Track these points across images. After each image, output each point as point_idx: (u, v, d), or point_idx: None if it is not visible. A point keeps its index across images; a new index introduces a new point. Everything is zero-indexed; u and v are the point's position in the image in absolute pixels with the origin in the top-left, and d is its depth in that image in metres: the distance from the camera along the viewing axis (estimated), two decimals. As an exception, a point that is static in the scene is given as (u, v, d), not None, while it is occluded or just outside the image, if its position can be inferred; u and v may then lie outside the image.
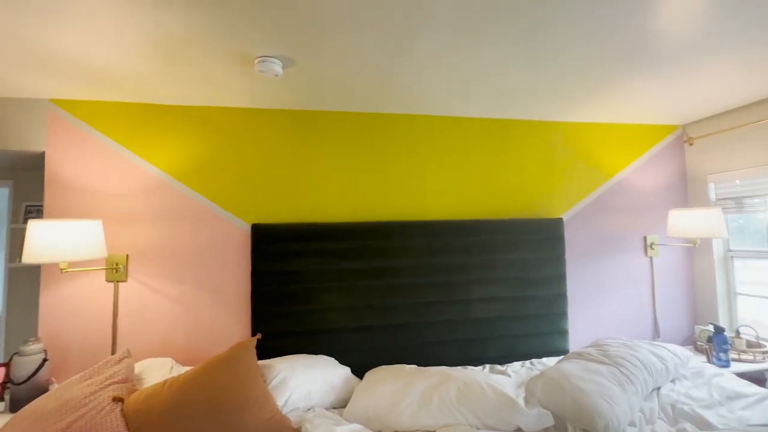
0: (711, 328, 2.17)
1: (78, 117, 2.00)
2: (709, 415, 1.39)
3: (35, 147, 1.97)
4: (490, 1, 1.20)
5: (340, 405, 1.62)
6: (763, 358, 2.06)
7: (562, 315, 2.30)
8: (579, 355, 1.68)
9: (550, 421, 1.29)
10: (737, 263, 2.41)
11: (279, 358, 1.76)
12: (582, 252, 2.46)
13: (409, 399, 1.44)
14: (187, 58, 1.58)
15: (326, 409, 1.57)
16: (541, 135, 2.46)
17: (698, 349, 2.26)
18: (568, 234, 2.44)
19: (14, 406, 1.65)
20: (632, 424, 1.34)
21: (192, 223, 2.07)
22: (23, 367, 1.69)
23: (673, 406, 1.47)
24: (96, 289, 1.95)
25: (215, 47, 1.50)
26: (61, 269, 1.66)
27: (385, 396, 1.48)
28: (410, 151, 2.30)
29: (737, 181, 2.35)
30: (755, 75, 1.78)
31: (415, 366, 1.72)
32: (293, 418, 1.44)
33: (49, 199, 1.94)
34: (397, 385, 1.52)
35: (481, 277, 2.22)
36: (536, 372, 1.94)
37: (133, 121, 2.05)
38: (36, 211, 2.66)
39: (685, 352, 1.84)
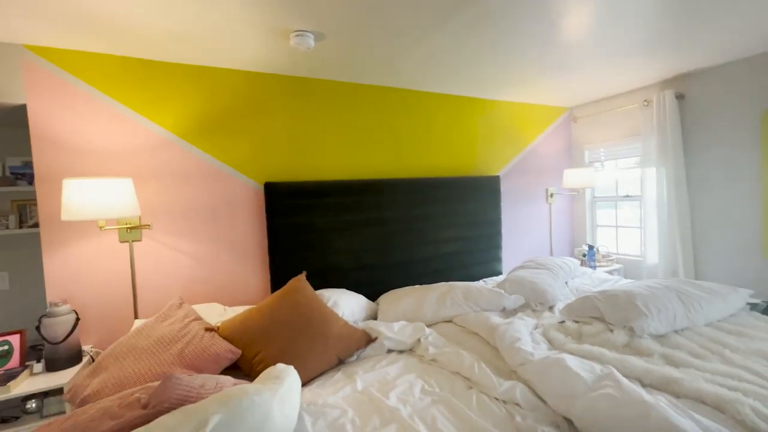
0: (586, 247, 3.29)
1: (63, 68, 1.86)
2: (594, 291, 2.33)
3: (12, 99, 1.78)
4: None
5: (369, 319, 2.10)
6: (610, 264, 3.25)
7: (498, 247, 3.14)
8: (522, 267, 2.48)
9: (522, 301, 2.03)
10: (598, 205, 3.59)
11: (318, 290, 2.12)
12: (509, 200, 3.31)
13: (427, 303, 2.02)
14: (218, 20, 1.64)
15: (362, 321, 2.04)
16: (482, 110, 3.14)
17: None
18: (502, 187, 3.25)
19: (52, 366, 1.68)
20: (560, 299, 2.17)
21: (202, 182, 2.16)
22: (56, 328, 1.70)
23: (577, 289, 2.39)
24: (109, 250, 1.96)
25: (255, 17, 1.62)
26: (100, 227, 1.67)
27: (408, 304, 2.03)
28: (392, 119, 2.73)
29: (602, 150, 3.45)
30: (620, 73, 2.69)
31: (419, 285, 2.30)
32: (347, 328, 1.88)
33: (39, 158, 1.82)
34: (415, 296, 2.08)
35: (446, 222, 2.86)
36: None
37: (131, 76, 1.99)
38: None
39: (576, 261, 2.83)
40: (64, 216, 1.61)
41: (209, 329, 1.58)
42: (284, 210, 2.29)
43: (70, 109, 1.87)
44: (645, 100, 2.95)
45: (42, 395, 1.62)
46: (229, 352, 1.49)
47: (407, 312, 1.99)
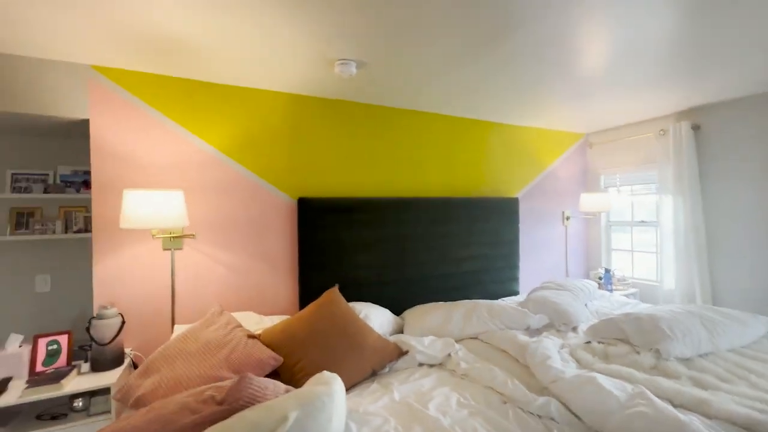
0: (602, 270, 3.34)
1: (124, 87, 2.01)
2: (614, 314, 2.38)
3: (76, 114, 1.93)
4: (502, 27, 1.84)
5: (395, 333, 2.17)
6: (626, 287, 3.30)
7: (516, 267, 3.21)
8: (543, 288, 2.54)
9: (546, 321, 2.09)
10: (613, 230, 3.66)
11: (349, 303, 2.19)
12: (527, 222, 3.40)
13: (454, 319, 2.09)
14: (270, 46, 1.77)
15: (389, 334, 2.10)
16: (503, 134, 3.26)
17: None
18: (520, 209, 3.34)
19: (97, 366, 1.76)
20: (582, 320, 2.22)
21: (241, 196, 2.28)
22: (104, 329, 1.79)
23: (597, 312, 2.44)
24: (153, 257, 2.06)
25: (308, 46, 1.77)
26: (153, 235, 1.78)
27: (435, 320, 2.10)
28: (416, 140, 2.86)
29: (617, 175, 3.55)
30: (635, 104, 2.81)
31: (443, 302, 2.37)
32: (376, 341, 1.95)
33: (97, 168, 1.95)
34: (441, 312, 2.15)
35: (465, 241, 2.94)
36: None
37: (182, 96, 2.14)
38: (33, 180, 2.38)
39: (593, 283, 2.88)
40: (123, 224, 1.72)
41: (252, 336, 1.66)
42: (315, 224, 2.39)
43: (127, 124, 2.02)
44: (661, 130, 3.06)
45: (89, 394, 1.69)
46: (272, 358, 1.57)
47: (434, 327, 2.06)
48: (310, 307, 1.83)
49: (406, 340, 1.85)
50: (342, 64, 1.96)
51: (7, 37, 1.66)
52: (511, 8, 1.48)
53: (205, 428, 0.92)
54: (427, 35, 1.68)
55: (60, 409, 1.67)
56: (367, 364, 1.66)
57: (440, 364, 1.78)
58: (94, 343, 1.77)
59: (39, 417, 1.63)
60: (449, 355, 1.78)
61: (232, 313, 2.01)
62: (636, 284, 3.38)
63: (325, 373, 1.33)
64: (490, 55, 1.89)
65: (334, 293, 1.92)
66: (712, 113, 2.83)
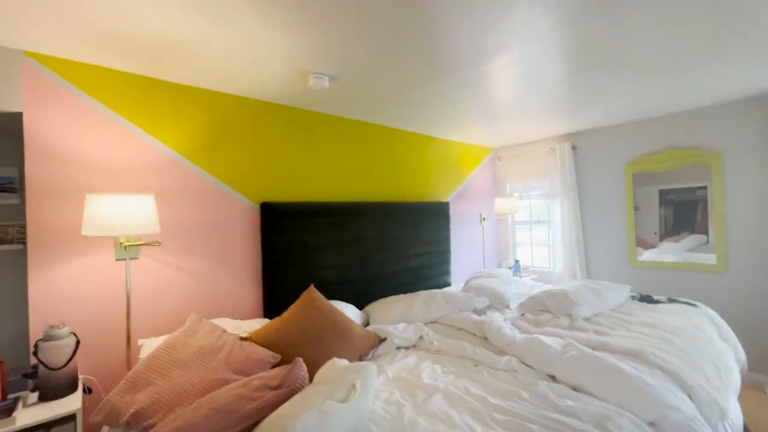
0: (512, 261, 4.06)
1: (66, 78, 1.80)
2: (530, 294, 2.99)
3: (7, 106, 1.66)
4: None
5: (363, 326, 2.36)
6: (529, 274, 4.08)
7: (448, 262, 3.69)
8: (476, 277, 3.04)
9: (487, 302, 2.55)
10: (517, 227, 4.47)
11: (318, 302, 2.30)
12: (454, 222, 3.93)
13: (416, 307, 2.39)
14: (241, 53, 1.78)
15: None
16: (437, 147, 3.74)
17: (505, 274, 4.13)
18: (450, 211, 3.85)
19: (47, 394, 1.56)
20: (512, 300, 2.75)
21: (203, 200, 2.21)
22: (55, 352, 1.59)
23: (516, 293, 3.03)
24: (101, 269, 1.87)
25: (279, 56, 1.83)
26: (121, 243, 1.64)
27: (399, 310, 2.37)
28: (369, 150, 3.10)
29: (519, 183, 4.36)
30: (533, 126, 3.56)
31: (403, 294, 2.65)
32: (352, 333, 2.12)
33: (31, 169, 1.71)
34: (404, 303, 2.43)
35: (411, 240, 3.30)
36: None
37: (136, 93, 2.00)
38: None
39: (509, 272, 3.52)
40: (85, 231, 1.57)
41: (243, 339, 1.68)
42: (278, 228, 2.44)
43: (71, 120, 1.81)
44: (551, 148, 3.90)
45: (46, 426, 1.48)
46: (270, 356, 1.63)
47: (399, 316, 2.33)
48: (294, 308, 1.92)
49: (383, 328, 2.07)
50: (316, 77, 2.10)
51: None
52: (448, 56, 1.90)
53: (268, 412, 1.02)
54: (390, 61, 1.94)
55: (5, 450, 1.43)
56: (356, 353, 1.84)
57: (414, 346, 2.06)
58: (41, 370, 1.55)
59: (-23, 463, 1.37)
60: (421, 336, 2.07)
61: (212, 319, 1.95)
62: (536, 271, 4.19)
63: (335, 359, 1.48)
64: (433, 84, 2.28)
65: (313, 292, 2.03)
66: (585, 137, 3.74)
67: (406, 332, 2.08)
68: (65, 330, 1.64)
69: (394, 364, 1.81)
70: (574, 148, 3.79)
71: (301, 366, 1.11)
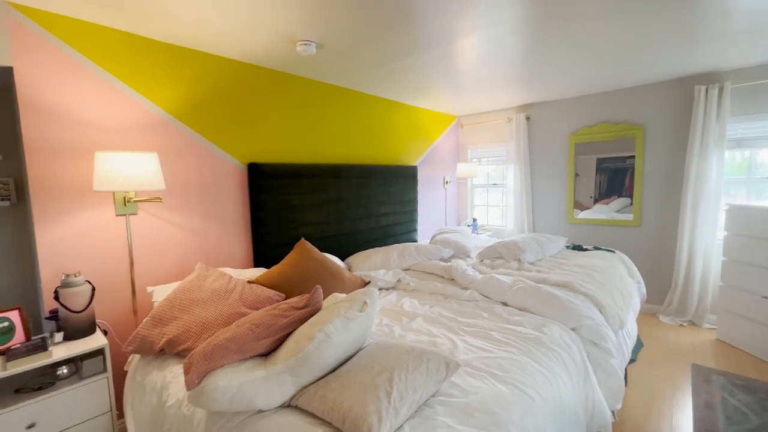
0: (470, 220, 4.55)
1: (55, 34, 1.80)
2: (486, 245, 3.47)
3: (-5, 60, 1.65)
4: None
5: (347, 274, 2.69)
6: (485, 231, 4.61)
7: (415, 221, 4.07)
8: (442, 233, 3.45)
9: (452, 252, 2.97)
10: (475, 191, 4.93)
11: (305, 254, 2.56)
12: (421, 184, 4.28)
13: (392, 257, 2.75)
14: (233, 16, 1.84)
15: (345, 275, 2.61)
16: (407, 113, 3.98)
17: (464, 232, 4.62)
18: (418, 175, 4.17)
19: (70, 335, 1.74)
20: (472, 250, 3.20)
21: (194, 160, 2.32)
22: (75, 298, 1.75)
23: (475, 246, 3.50)
24: (104, 223, 1.98)
25: (268, 23, 1.93)
26: (130, 199, 1.76)
27: (378, 259, 2.72)
28: (347, 114, 3.28)
29: (479, 149, 4.76)
30: (492, 97, 3.91)
31: (380, 247, 2.99)
32: (339, 279, 2.44)
33: (28, 127, 1.75)
34: (382, 254, 2.78)
35: (382, 200, 3.60)
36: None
37: (126, 52, 2.02)
38: None
39: (468, 229, 3.98)
40: (97, 186, 1.68)
41: (251, 282, 1.93)
42: (265, 187, 2.62)
43: (62, 78, 1.82)
44: (508, 118, 4.30)
45: (77, 359, 1.67)
46: (277, 296, 1.90)
47: (378, 265, 2.68)
48: (292, 255, 2.17)
49: (367, 273, 2.41)
50: (304, 44, 2.22)
51: None
52: (420, 34, 2.13)
53: (297, 325, 1.32)
54: (373, 32, 2.11)
55: (38, 382, 1.60)
56: (347, 292, 2.16)
57: (393, 287, 2.43)
58: (62, 312, 1.70)
59: (18, 391, 1.54)
60: (399, 279, 2.44)
61: (220, 268, 2.15)
62: (490, 228, 4.73)
63: (336, 293, 1.79)
64: (408, 58, 2.50)
65: (306, 243, 2.29)
66: (537, 108, 4.17)
67: (386, 276, 2.44)
68: (80, 278, 1.78)
69: (378, 301, 2.16)
70: (528, 118, 4.22)
71: (320, 291, 1.40)
